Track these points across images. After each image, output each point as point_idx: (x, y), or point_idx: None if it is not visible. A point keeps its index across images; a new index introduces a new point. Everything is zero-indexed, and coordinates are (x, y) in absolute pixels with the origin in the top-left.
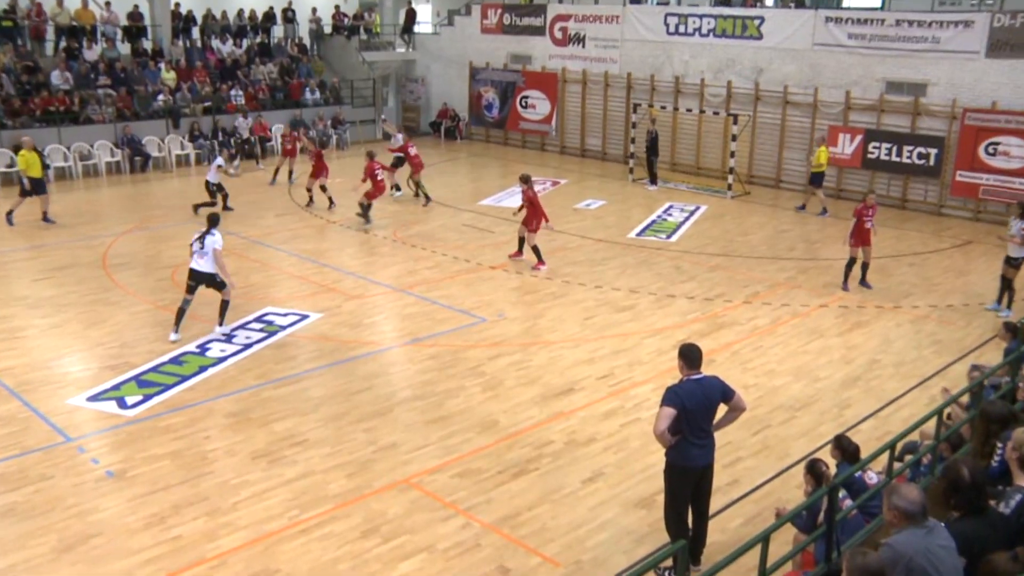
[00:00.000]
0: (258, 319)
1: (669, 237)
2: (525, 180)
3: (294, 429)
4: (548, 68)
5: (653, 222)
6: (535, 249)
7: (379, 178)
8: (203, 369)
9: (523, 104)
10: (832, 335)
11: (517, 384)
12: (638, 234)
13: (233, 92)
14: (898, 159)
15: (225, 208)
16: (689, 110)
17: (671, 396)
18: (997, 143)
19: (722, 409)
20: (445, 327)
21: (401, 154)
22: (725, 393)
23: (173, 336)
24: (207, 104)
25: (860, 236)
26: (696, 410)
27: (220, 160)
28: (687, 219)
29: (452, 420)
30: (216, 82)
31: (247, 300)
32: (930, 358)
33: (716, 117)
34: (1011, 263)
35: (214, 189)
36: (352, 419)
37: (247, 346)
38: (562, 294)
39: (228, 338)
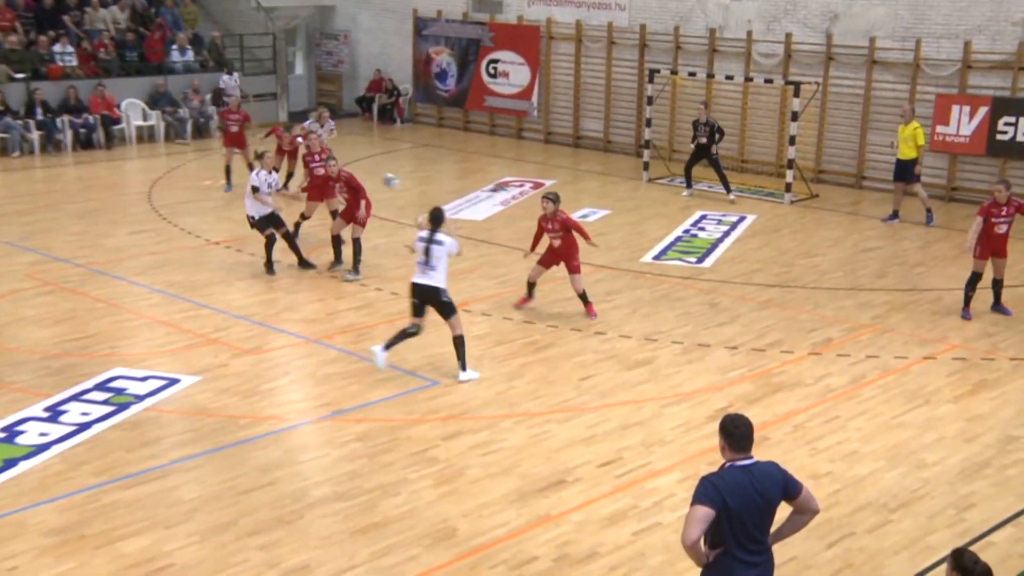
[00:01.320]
0: (101, 386)
1: (700, 261)
2: (554, 200)
3: (154, 550)
4: (527, 19)
5: (678, 239)
6: (583, 296)
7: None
8: (11, 463)
9: (491, 71)
10: (944, 400)
11: (484, 475)
12: (656, 257)
13: (58, 48)
14: None
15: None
16: (730, 77)
17: (707, 490)
18: None
19: (783, 509)
20: (380, 393)
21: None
22: (788, 487)
23: (380, 359)
24: (17, 65)
25: (989, 243)
26: (744, 511)
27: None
28: (726, 235)
29: (390, 529)
30: (32, 32)
31: (85, 358)
32: None
33: (769, 87)
34: None
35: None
36: (243, 531)
37: (82, 427)
38: (548, 344)
39: (53, 416)
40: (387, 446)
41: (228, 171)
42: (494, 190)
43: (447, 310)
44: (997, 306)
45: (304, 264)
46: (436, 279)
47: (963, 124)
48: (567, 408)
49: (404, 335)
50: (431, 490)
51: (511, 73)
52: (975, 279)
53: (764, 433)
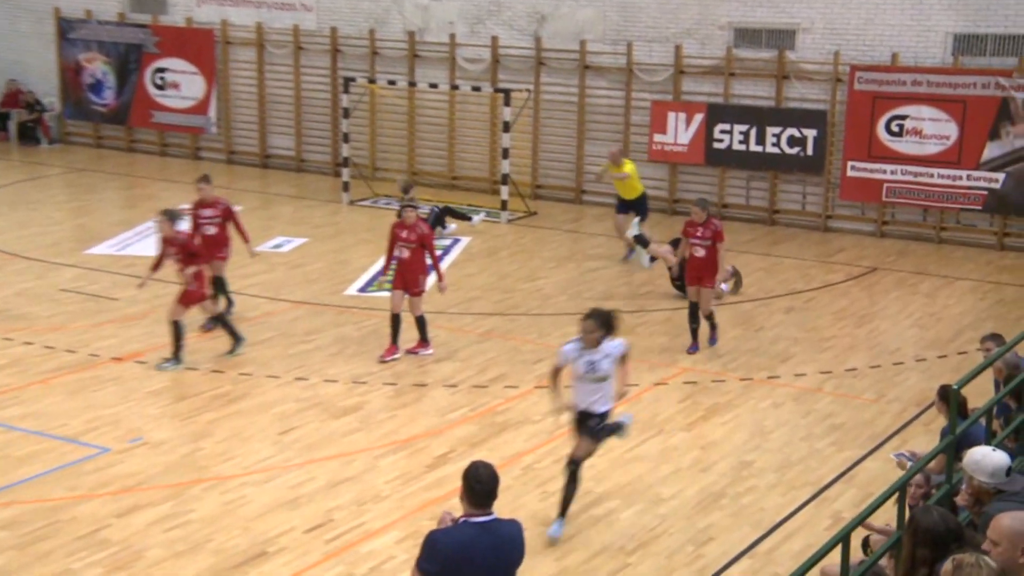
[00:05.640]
0: None
1: None
2: (414, 206)
3: None
4: (196, 21)
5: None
6: (420, 321)
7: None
8: None
9: (158, 82)
10: (678, 428)
11: (169, 555)
12: (362, 289)
13: None
14: (759, 148)
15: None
16: (434, 85)
17: (428, 552)
18: (903, 117)
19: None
20: (32, 469)
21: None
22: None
23: (555, 529)
24: None
25: (690, 268)
26: (475, 575)
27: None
28: (439, 261)
29: None
30: None
31: None
32: (828, 453)
33: (477, 95)
34: None
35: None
36: None
37: None
38: (241, 395)
39: None
40: (43, 532)
41: None
42: (192, 214)
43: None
44: (702, 339)
45: None
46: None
47: (680, 132)
48: (266, 467)
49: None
50: None
51: (182, 84)
52: (693, 309)
53: None
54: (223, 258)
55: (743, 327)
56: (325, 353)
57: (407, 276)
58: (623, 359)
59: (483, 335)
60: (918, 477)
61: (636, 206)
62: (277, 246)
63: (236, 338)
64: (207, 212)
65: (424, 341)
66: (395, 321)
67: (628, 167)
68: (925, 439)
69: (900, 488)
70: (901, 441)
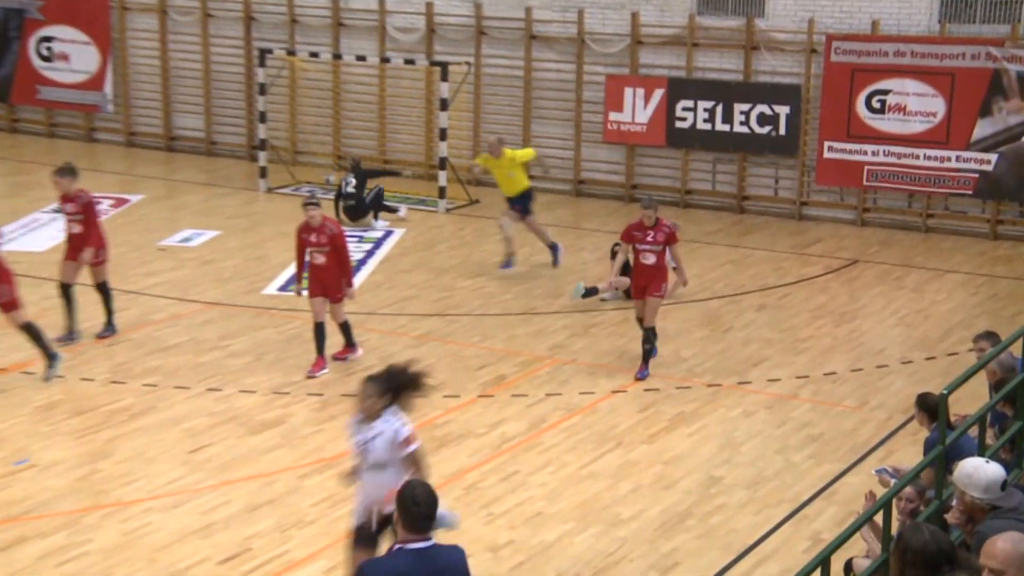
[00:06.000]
0: None
1: None
2: (316, 204)
3: None
4: None
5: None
6: (344, 327)
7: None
8: None
9: (44, 53)
10: (639, 441)
11: None
12: (283, 288)
13: None
14: (725, 127)
15: None
16: (361, 58)
17: None
18: (885, 92)
19: None
20: None
21: None
22: None
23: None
24: None
25: (638, 277)
26: None
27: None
28: (369, 256)
29: None
30: None
31: None
32: (805, 468)
33: (411, 69)
34: None
35: None
36: None
37: None
38: (146, 409)
39: None
40: None
41: None
42: (60, 210)
43: None
44: (641, 371)
45: None
46: None
47: (638, 110)
48: (175, 491)
49: None
50: None
51: (72, 56)
52: (645, 329)
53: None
54: (100, 262)
55: (710, 327)
56: (241, 360)
57: (326, 282)
58: (410, 458)
59: (419, 339)
60: (908, 491)
61: (518, 203)
62: (185, 240)
63: (50, 356)
64: (69, 208)
65: (351, 346)
66: (319, 331)
67: (513, 158)
68: (913, 451)
69: (884, 506)
70: (887, 453)
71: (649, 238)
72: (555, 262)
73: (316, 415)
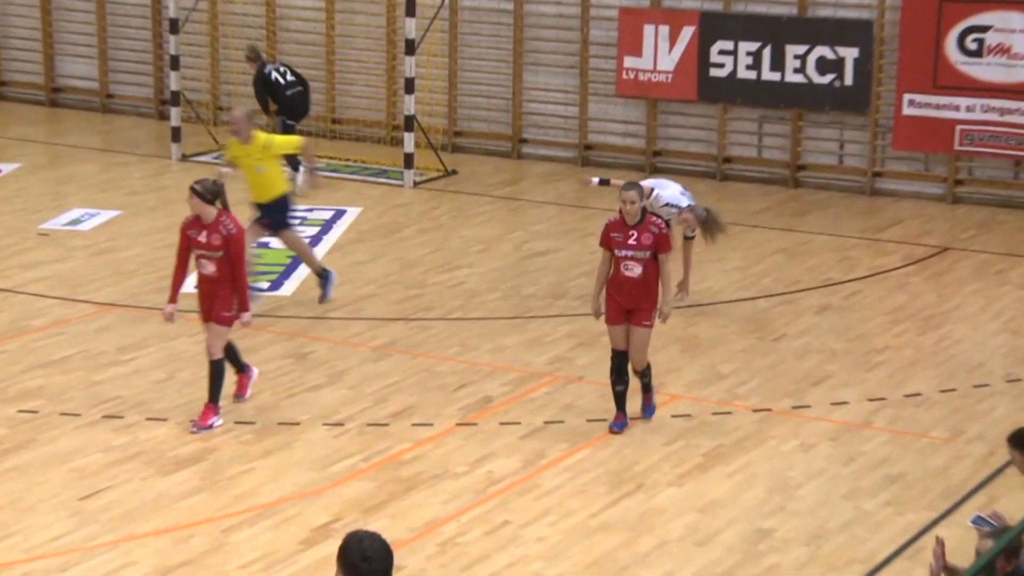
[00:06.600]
0: None
1: (276, 288)
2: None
3: None
4: None
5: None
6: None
7: None
8: None
9: None
10: (664, 483)
11: None
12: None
13: None
14: (775, 76)
15: None
16: None
17: None
18: (984, 28)
19: None
20: None
21: None
22: None
23: None
24: None
25: (618, 294)
26: None
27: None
28: (316, 242)
29: None
30: None
31: None
32: (883, 517)
33: (366, 2)
34: None
35: None
36: None
37: None
38: (22, 443)
39: None
40: None
41: None
42: None
43: None
44: (646, 406)
45: None
46: None
47: (662, 54)
48: (61, 549)
49: None
50: None
51: None
52: (619, 362)
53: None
54: None
55: (756, 335)
56: (148, 379)
57: (215, 300)
58: None
59: (381, 349)
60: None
61: (271, 213)
62: (74, 222)
63: None
64: None
65: (243, 371)
66: (230, 351)
67: (268, 146)
68: (1022, 495)
69: (987, 567)
70: (988, 499)
71: (631, 240)
72: (324, 296)
73: (247, 450)
